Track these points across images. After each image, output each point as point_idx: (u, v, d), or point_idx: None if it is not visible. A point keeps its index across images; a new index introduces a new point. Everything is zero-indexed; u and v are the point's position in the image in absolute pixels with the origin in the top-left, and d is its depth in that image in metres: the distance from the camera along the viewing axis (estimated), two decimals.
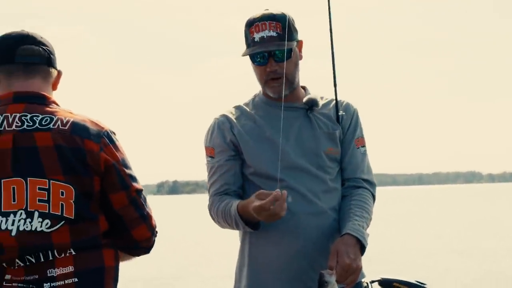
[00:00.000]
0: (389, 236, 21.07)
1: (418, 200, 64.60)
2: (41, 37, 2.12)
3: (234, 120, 2.55)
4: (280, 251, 2.47)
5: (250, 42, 2.49)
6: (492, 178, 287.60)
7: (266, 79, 2.50)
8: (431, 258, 14.58)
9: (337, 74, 2.59)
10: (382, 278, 2.69)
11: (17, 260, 1.95)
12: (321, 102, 2.59)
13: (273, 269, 2.48)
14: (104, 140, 2.03)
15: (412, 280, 2.65)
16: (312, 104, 2.56)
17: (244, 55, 2.50)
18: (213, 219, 2.56)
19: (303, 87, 2.63)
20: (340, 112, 2.59)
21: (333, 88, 2.60)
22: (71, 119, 2.02)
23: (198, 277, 12.47)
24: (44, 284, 1.94)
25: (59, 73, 2.16)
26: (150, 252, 2.17)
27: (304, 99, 2.57)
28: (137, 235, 2.07)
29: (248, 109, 2.59)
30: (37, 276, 1.95)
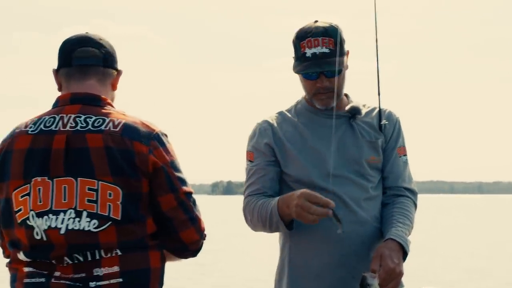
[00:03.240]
0: (439, 246, 20.67)
1: (476, 210, 63.19)
2: (100, 39, 2.16)
3: (276, 126, 2.57)
4: (321, 259, 2.48)
5: (300, 56, 2.49)
6: None
7: (316, 92, 2.52)
8: (485, 272, 14.21)
9: (385, 77, 2.61)
10: None
11: (65, 258, 2.00)
12: (364, 110, 2.60)
13: (314, 276, 2.49)
14: (153, 142, 2.06)
15: None
16: (355, 112, 2.57)
17: (296, 72, 2.52)
18: (246, 218, 2.54)
19: (346, 95, 2.64)
20: (383, 121, 2.59)
21: (377, 97, 2.60)
22: (123, 121, 2.06)
23: (245, 276, 12.51)
24: (90, 283, 1.98)
25: (119, 72, 2.19)
26: (197, 255, 2.18)
27: (347, 107, 2.58)
28: (185, 237, 2.09)
29: (290, 116, 2.60)
30: (84, 275, 1.99)
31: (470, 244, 21.41)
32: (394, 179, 2.57)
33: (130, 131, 2.04)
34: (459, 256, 17.17)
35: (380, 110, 2.59)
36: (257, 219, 2.47)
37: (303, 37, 2.49)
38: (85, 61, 2.11)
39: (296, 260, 2.51)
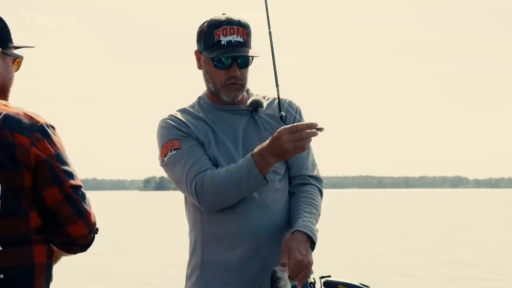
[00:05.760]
0: (367, 237, 21.13)
1: (403, 203, 64.90)
2: None
3: (185, 121, 2.54)
4: (234, 253, 2.48)
5: (213, 44, 2.49)
6: (478, 183, 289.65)
7: (225, 83, 2.51)
8: (409, 264, 14.61)
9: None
10: (327, 281, 2.70)
11: None
12: (265, 103, 2.61)
13: (226, 270, 2.49)
14: (36, 134, 1.97)
15: (356, 282, 2.67)
16: (256, 105, 2.59)
17: (213, 57, 2.49)
18: (207, 191, 2.42)
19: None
20: (281, 113, 2.60)
21: (276, 88, 2.61)
22: (4, 112, 1.98)
23: (180, 270, 12.46)
24: None
25: None
26: (87, 250, 2.11)
27: (249, 101, 2.59)
28: (73, 232, 2.02)
29: (194, 111, 2.59)
30: None
31: (393, 237, 21.96)
32: (297, 168, 2.58)
33: (11, 123, 1.96)
34: (383, 251, 17.58)
35: (279, 101, 2.60)
36: (227, 185, 2.39)
37: (217, 25, 2.49)
38: None
39: (209, 255, 2.50)
